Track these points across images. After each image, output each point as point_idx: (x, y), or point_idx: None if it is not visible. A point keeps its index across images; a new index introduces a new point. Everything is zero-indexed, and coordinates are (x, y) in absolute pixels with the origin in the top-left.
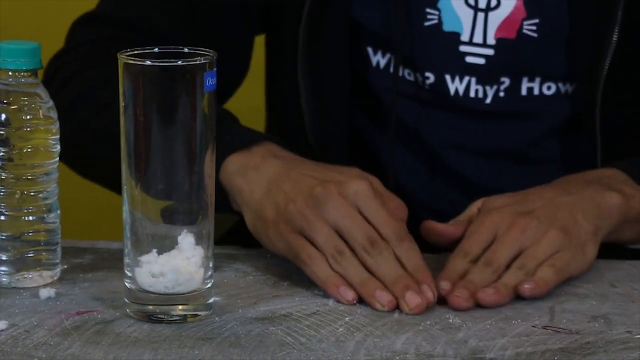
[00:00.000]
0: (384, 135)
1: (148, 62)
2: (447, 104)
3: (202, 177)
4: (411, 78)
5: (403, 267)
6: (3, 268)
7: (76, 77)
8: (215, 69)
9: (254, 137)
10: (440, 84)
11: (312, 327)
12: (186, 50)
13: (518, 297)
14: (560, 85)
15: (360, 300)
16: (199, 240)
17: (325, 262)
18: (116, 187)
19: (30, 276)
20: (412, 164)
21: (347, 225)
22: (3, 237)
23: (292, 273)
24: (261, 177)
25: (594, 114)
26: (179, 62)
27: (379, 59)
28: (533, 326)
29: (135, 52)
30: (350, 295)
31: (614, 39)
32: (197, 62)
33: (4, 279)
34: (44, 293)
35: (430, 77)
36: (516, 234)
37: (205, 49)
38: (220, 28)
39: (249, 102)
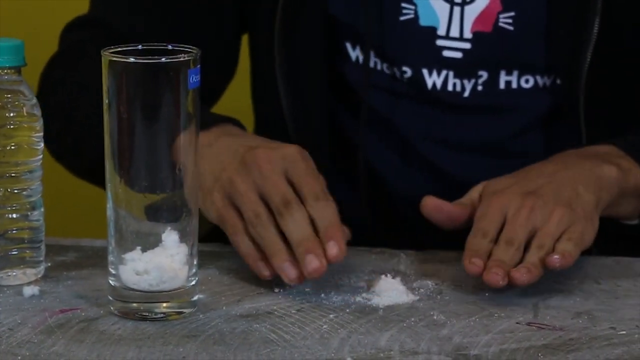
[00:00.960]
0: (363, 129)
1: (132, 59)
2: (425, 97)
3: (186, 174)
4: (388, 72)
5: (316, 228)
6: None
7: (65, 79)
8: (199, 66)
9: (216, 119)
10: (418, 78)
11: (297, 324)
12: (170, 47)
13: (501, 294)
14: (538, 78)
15: (345, 297)
16: (183, 238)
17: (246, 234)
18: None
19: (14, 274)
20: (390, 158)
21: (267, 188)
22: None
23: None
24: (210, 153)
25: (577, 106)
26: (163, 59)
27: (357, 54)
28: (517, 323)
29: (119, 49)
30: (265, 272)
31: (595, 30)
32: (181, 59)
33: None
34: (28, 291)
35: (408, 72)
36: (526, 214)
37: (189, 46)
38: (202, 29)
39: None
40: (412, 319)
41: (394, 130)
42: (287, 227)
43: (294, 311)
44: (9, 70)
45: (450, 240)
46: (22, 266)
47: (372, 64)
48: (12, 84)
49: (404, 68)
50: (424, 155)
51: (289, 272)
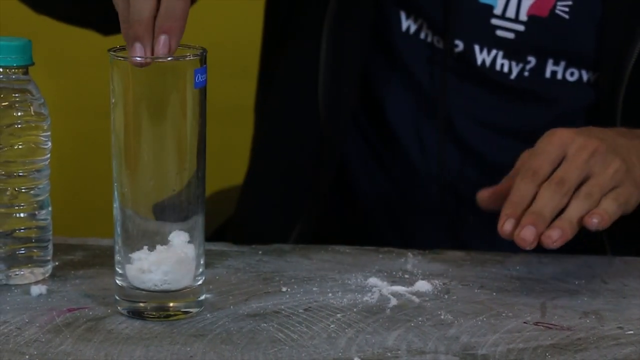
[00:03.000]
0: (401, 98)
1: (137, 59)
2: (472, 74)
3: (193, 174)
4: (439, 45)
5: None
6: None
7: None
8: (205, 66)
9: None
10: (468, 53)
11: (304, 324)
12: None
13: (509, 293)
14: (583, 72)
15: (352, 296)
16: (190, 237)
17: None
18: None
19: (22, 273)
20: (427, 132)
21: None
22: None
23: (284, 269)
24: None
25: (615, 104)
26: (169, 59)
27: (410, 24)
28: (524, 322)
29: (125, 48)
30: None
31: None
32: (187, 58)
33: None
34: (35, 290)
35: (460, 45)
36: (586, 156)
37: (194, 45)
38: None
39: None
40: (420, 319)
41: (434, 104)
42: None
43: (301, 310)
44: (16, 70)
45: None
46: (29, 265)
47: (422, 36)
48: (19, 83)
49: (457, 42)
50: (460, 131)
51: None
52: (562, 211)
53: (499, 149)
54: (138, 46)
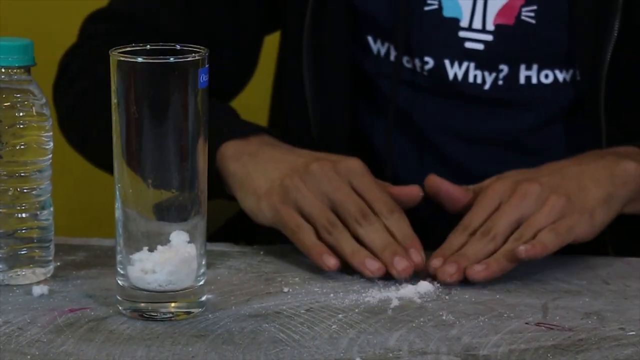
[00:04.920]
0: (381, 122)
1: (140, 60)
2: (446, 89)
3: (194, 174)
4: (409, 65)
5: (394, 237)
6: None
7: (85, 71)
8: (207, 66)
9: (252, 128)
10: (440, 68)
11: (306, 324)
12: (178, 47)
13: (511, 294)
14: (557, 73)
15: (354, 297)
16: (191, 237)
17: (312, 232)
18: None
19: (23, 273)
20: (409, 152)
21: (340, 199)
22: None
23: (285, 270)
24: (256, 160)
25: (597, 100)
26: (171, 59)
27: (379, 47)
28: (526, 323)
29: (128, 49)
30: (331, 261)
31: (616, 25)
32: (189, 59)
33: None
34: (37, 290)
35: (430, 62)
36: (517, 201)
37: (197, 46)
38: (225, 25)
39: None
40: (421, 319)
41: (412, 123)
42: (368, 235)
43: (302, 311)
44: (18, 70)
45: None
46: (31, 265)
47: (392, 58)
48: (21, 84)
49: (426, 58)
50: (442, 149)
51: (370, 265)
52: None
53: (481, 160)
54: (399, 259)
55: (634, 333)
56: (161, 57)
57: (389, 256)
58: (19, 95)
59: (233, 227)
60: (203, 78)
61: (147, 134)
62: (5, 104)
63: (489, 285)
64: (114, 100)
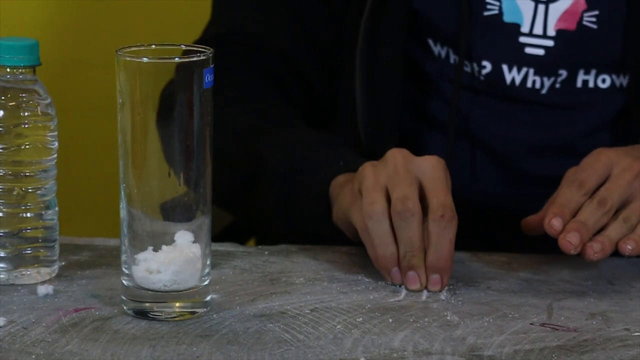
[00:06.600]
0: (434, 127)
1: (145, 59)
2: (501, 94)
3: (200, 174)
4: (467, 69)
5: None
6: (1, 265)
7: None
8: (212, 66)
9: (360, 162)
10: (497, 73)
11: (310, 324)
12: (183, 47)
13: (515, 294)
14: (614, 77)
15: (359, 297)
16: (196, 237)
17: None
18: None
19: (28, 273)
20: (461, 154)
21: (393, 182)
22: (1, 234)
23: (290, 270)
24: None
25: None
26: (176, 59)
27: (439, 50)
28: (531, 324)
29: (132, 48)
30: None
31: None
32: (194, 58)
33: (1, 276)
34: (42, 290)
35: (487, 67)
36: (630, 178)
37: (202, 46)
38: (332, 45)
39: None
40: (426, 320)
41: (468, 126)
42: (400, 230)
43: (307, 311)
44: (23, 70)
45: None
46: (36, 265)
47: (452, 60)
48: (26, 84)
49: (484, 63)
50: (495, 151)
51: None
52: (600, 230)
53: (534, 164)
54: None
55: (639, 334)
56: (166, 57)
57: (405, 268)
58: (24, 95)
59: (238, 227)
60: (208, 78)
61: (152, 134)
62: (11, 104)
63: (494, 286)
64: (119, 100)
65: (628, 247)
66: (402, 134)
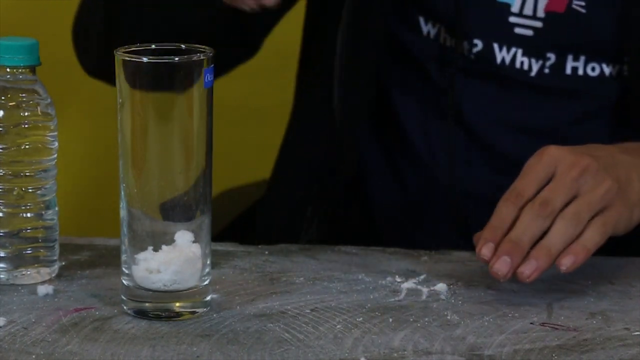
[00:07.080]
0: (413, 103)
1: (145, 59)
2: (491, 73)
3: (200, 174)
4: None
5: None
6: (1, 265)
7: None
8: (213, 66)
9: None
10: (488, 52)
11: (310, 324)
12: (183, 47)
13: (515, 294)
14: (604, 66)
15: (359, 297)
16: (196, 237)
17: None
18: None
19: (28, 273)
20: (444, 134)
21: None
22: (1, 234)
23: (290, 270)
24: None
25: None
26: (176, 59)
27: (429, 29)
28: (531, 323)
29: (132, 48)
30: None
31: None
32: (194, 58)
33: (1, 276)
34: (42, 290)
35: (479, 45)
36: (575, 175)
37: (202, 46)
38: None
39: (246, 100)
40: (426, 319)
41: (452, 105)
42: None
43: (307, 311)
44: (23, 70)
45: None
46: (36, 265)
47: (441, 40)
48: (26, 84)
49: (475, 41)
50: (483, 133)
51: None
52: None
53: (522, 147)
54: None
55: (639, 333)
56: (166, 56)
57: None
58: (24, 95)
59: (238, 226)
60: (208, 78)
61: (152, 134)
62: (11, 104)
63: (494, 285)
64: (118, 100)
65: (562, 268)
66: (380, 107)
